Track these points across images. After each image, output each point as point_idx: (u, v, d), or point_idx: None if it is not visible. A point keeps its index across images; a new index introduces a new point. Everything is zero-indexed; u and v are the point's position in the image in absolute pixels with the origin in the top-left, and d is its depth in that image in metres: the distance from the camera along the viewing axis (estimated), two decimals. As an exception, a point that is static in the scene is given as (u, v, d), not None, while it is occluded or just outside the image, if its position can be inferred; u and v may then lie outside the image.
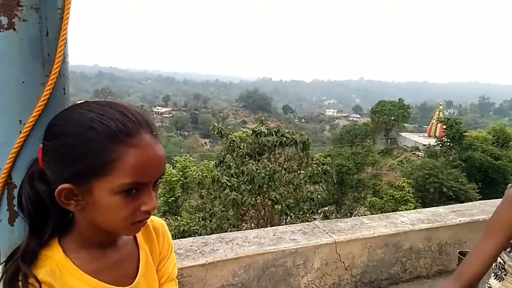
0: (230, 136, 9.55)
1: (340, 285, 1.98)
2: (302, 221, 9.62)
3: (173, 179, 19.77)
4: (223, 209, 9.13)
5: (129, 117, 0.70)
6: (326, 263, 1.93)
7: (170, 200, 19.25)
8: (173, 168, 20.98)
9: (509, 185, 1.22)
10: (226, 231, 8.55)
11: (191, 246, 1.84)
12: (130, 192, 0.69)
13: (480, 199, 18.18)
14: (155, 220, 0.92)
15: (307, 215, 9.88)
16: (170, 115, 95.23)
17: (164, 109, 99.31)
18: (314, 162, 9.61)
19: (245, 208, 9.05)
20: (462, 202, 17.60)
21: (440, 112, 33.16)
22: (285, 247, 1.85)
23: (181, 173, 20.60)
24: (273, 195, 8.42)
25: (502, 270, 1.25)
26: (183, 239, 1.98)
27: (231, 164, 9.33)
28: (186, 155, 23.72)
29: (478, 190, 19.08)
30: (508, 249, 1.20)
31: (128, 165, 0.67)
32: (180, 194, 19.79)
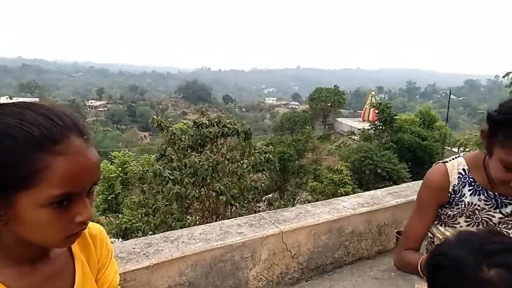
0: (170, 128, 9.31)
1: (287, 274, 2.01)
2: (247, 210, 9.71)
3: (111, 175, 18.99)
4: (167, 203, 8.93)
5: (54, 120, 0.62)
6: (273, 253, 1.94)
7: (109, 198, 18.49)
8: (111, 164, 20.15)
9: (434, 164, 1.31)
10: (170, 226, 8.39)
11: (133, 248, 1.76)
12: (61, 204, 0.62)
13: (410, 178, 19.57)
14: (92, 226, 0.86)
15: (252, 203, 9.98)
16: (106, 109, 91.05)
17: (98, 103, 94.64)
18: (256, 151, 9.69)
19: (189, 201, 8.92)
20: (395, 181, 18.82)
21: (372, 98, 34.87)
22: (232, 241, 1.83)
23: (120, 168, 19.82)
24: (217, 187, 8.38)
25: (432, 244, 1.34)
26: (124, 242, 1.88)
27: (173, 157, 9.13)
28: (125, 150, 22.87)
29: (408, 170, 20.42)
30: (435, 222, 1.30)
31: (57, 175, 0.60)
32: (120, 190, 19.07)
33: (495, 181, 1.13)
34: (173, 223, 8.38)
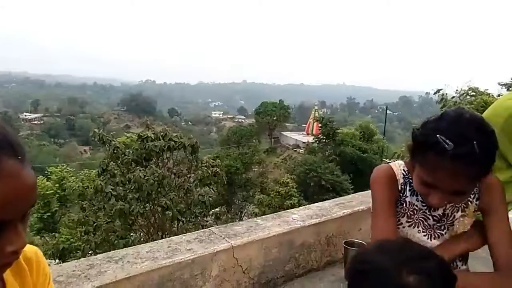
0: (113, 142, 8.95)
1: (238, 290, 1.97)
2: (194, 225, 9.53)
3: (48, 192, 17.90)
4: (109, 220, 8.53)
5: None
6: (224, 269, 1.90)
7: (45, 216, 17.39)
8: (47, 180, 19.00)
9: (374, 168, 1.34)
10: (113, 244, 8.00)
11: (73, 270, 1.63)
12: None
13: (352, 189, 20.31)
14: (27, 249, 0.77)
15: (199, 218, 9.82)
16: (41, 122, 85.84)
17: (33, 115, 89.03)
18: (203, 164, 9.59)
19: (133, 218, 8.58)
20: (338, 192, 19.45)
21: (316, 112, 36.05)
22: (181, 259, 1.76)
23: (57, 185, 18.74)
24: (163, 202, 8.15)
25: None
26: (63, 264, 1.74)
27: (116, 172, 8.78)
28: (63, 165, 21.66)
29: (350, 181, 21.27)
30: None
31: None
32: (57, 208, 18.00)
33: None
34: (116, 241, 8.01)
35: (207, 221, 11.10)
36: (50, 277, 0.86)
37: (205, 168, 9.37)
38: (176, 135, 9.33)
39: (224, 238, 1.97)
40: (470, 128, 1.01)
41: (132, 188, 8.05)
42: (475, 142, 0.98)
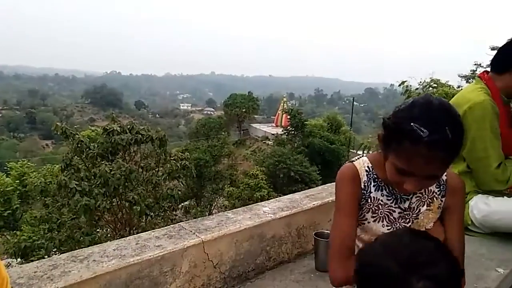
0: (77, 136, 8.65)
1: (209, 285, 1.94)
2: (163, 219, 9.39)
3: (8, 189, 17.17)
4: (74, 216, 8.26)
5: None
6: (194, 265, 1.86)
7: (5, 214, 16.68)
8: (7, 177, 18.21)
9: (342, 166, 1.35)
10: (78, 241, 7.76)
11: (35, 272, 1.55)
12: None
13: (320, 179, 20.62)
14: None
15: (168, 212, 9.70)
16: (0, 115, 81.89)
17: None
18: (172, 158, 9.46)
19: (99, 213, 8.35)
20: (307, 183, 19.70)
21: (284, 104, 36.26)
22: (150, 256, 1.71)
23: (18, 181, 17.99)
24: (130, 196, 7.97)
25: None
26: (24, 265, 1.65)
27: (81, 166, 8.50)
28: (23, 160, 20.79)
29: (318, 172, 21.58)
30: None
31: None
32: (18, 205, 17.30)
33: (391, 182, 1.21)
34: (81, 238, 7.78)
35: (176, 215, 10.97)
36: (8, 280, 0.80)
37: (174, 161, 9.24)
38: (144, 128, 9.13)
39: (194, 233, 1.93)
40: (441, 114, 1.04)
41: (97, 183, 7.82)
42: (447, 127, 1.01)
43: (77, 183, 7.67)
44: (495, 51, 2.37)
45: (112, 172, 7.77)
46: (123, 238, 1.89)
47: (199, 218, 2.15)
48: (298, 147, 24.74)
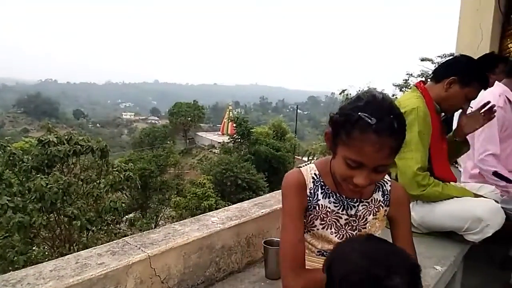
0: (8, 148, 8.06)
1: (157, 301, 1.86)
2: (106, 233, 8.97)
3: None
4: (6, 235, 7.66)
5: None
6: (140, 281, 1.78)
7: None
8: None
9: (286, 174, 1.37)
10: (12, 261, 7.17)
11: (-41, 301, 1.40)
12: None
13: (267, 186, 20.83)
14: None
15: (111, 226, 9.31)
16: None
17: None
18: (115, 169, 9.09)
19: (35, 230, 7.80)
20: (254, 191, 19.82)
21: (230, 112, 36.32)
22: (92, 275, 1.61)
23: None
24: (69, 211, 7.53)
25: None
26: None
27: (13, 181, 7.93)
28: None
29: (265, 179, 21.82)
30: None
31: None
32: None
33: (339, 180, 1.22)
34: (15, 258, 7.21)
35: (120, 228, 10.54)
36: None
37: (117, 172, 8.90)
38: (83, 138, 8.70)
39: (139, 248, 1.85)
40: (386, 104, 1.10)
41: (32, 198, 7.31)
42: (391, 116, 1.07)
43: (9, 198, 7.14)
44: (424, 62, 2.54)
45: (48, 186, 7.31)
46: (61, 258, 1.76)
47: (144, 232, 2.07)
48: (244, 154, 24.86)
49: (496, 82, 2.92)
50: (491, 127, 2.62)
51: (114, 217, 9.01)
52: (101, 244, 1.91)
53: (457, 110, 2.52)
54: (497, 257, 3.19)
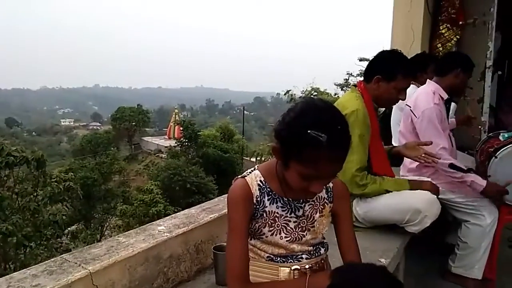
0: None
1: (102, 319, 1.76)
2: (46, 248, 8.46)
3: None
4: None
5: None
6: (82, 300, 1.67)
7: None
8: None
9: (233, 180, 1.34)
10: None
11: None
12: None
13: (217, 189, 20.72)
14: None
15: (52, 240, 8.79)
16: None
17: None
18: (53, 179, 8.60)
19: (-37, 251, 7.18)
20: (203, 194, 19.63)
21: (176, 115, 35.64)
22: (26, 298, 1.49)
23: None
24: (3, 227, 7.00)
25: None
26: None
27: None
28: None
29: (214, 182, 21.69)
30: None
31: None
32: None
33: (294, 189, 1.22)
34: None
35: (62, 242, 9.99)
36: None
37: (56, 183, 8.43)
38: (16, 148, 8.16)
39: (80, 265, 1.73)
40: (330, 115, 1.11)
41: (-41, 216, 6.72)
42: (339, 126, 1.08)
43: None
44: (363, 62, 2.63)
45: (-23, 202, 6.75)
46: (-11, 283, 1.61)
47: (85, 247, 1.95)
48: (192, 158, 24.55)
49: (428, 80, 3.10)
50: (432, 124, 2.77)
51: (54, 231, 8.52)
52: (41, 261, 1.77)
53: (395, 103, 2.64)
54: (436, 245, 3.38)
